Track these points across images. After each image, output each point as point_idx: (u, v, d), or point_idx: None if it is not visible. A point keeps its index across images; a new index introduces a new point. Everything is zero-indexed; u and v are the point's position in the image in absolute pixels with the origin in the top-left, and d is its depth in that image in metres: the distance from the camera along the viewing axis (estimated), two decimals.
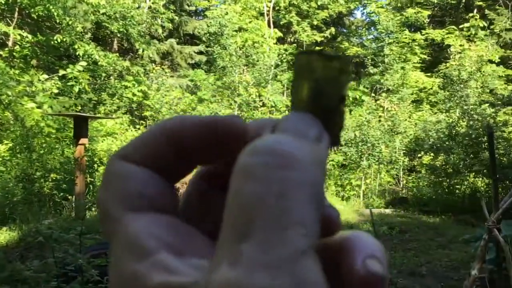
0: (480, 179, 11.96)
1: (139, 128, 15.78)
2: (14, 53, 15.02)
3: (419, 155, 14.90)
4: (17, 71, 13.29)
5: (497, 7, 20.71)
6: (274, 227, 0.18)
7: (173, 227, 0.23)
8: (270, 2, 21.08)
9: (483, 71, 16.68)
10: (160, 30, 19.40)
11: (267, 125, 0.24)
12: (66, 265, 3.21)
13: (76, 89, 14.33)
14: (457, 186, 12.13)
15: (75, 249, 3.13)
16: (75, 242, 3.13)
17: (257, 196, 0.18)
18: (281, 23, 22.15)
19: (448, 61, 18.15)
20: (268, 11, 21.32)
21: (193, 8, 22.58)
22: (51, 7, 14.09)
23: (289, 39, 22.89)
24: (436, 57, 21.71)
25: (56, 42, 15.21)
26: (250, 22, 19.55)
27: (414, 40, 20.63)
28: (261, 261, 0.17)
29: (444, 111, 15.59)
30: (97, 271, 3.09)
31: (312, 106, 0.22)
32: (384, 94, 17.84)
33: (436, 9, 23.16)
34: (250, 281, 0.17)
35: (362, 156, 14.17)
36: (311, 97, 0.22)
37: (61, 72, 13.74)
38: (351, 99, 18.60)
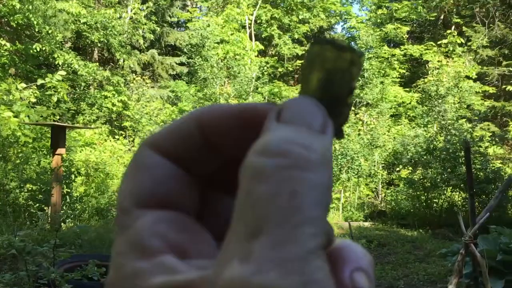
0: (457, 193, 12.10)
1: (118, 139, 15.63)
2: None
3: (398, 168, 15.03)
4: None
5: (474, 24, 21.15)
6: (285, 226, 0.18)
7: (179, 225, 0.23)
8: (252, 15, 21.19)
9: (461, 87, 16.97)
10: (141, 41, 19.34)
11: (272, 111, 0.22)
12: (39, 278, 3.13)
13: (55, 98, 14.15)
14: (434, 200, 12.24)
15: (49, 262, 3.06)
16: (49, 255, 3.05)
17: (269, 195, 0.18)
18: (263, 36, 22.27)
19: (426, 76, 18.43)
20: (250, 24, 21.42)
21: (175, 19, 22.59)
22: (30, 15, 13.95)
23: (270, 52, 23.01)
24: (414, 73, 22.03)
25: (35, 50, 15.04)
26: (231, 34, 19.60)
27: (393, 55, 20.93)
28: (272, 258, 0.17)
29: (422, 125, 15.80)
30: (71, 285, 3.03)
31: (321, 95, 0.22)
32: (363, 108, 18.00)
33: (415, 25, 23.55)
34: (260, 278, 0.17)
35: (342, 169, 14.23)
36: (320, 86, 0.22)
37: (40, 81, 13.57)
38: None
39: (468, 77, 18.61)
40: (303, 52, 22.68)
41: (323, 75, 0.22)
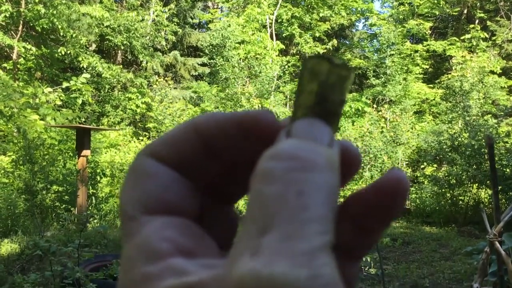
0: (484, 190, 11.92)
1: (142, 140, 15.81)
2: (18, 66, 15.13)
3: (422, 166, 14.86)
4: (21, 84, 13.39)
5: (499, 18, 20.76)
6: (293, 222, 0.18)
7: (186, 230, 0.23)
8: (273, 14, 21.19)
9: (485, 82, 16.68)
10: (163, 42, 19.51)
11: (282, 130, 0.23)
12: (64, 278, 3.20)
13: (80, 101, 14.40)
14: (460, 198, 12.07)
15: (74, 262, 3.13)
16: (74, 255, 3.12)
17: (278, 194, 0.19)
18: (284, 35, 22.24)
19: (450, 72, 18.16)
20: (271, 23, 21.42)
21: (196, 20, 22.73)
22: (55, 20, 14.20)
23: (291, 51, 22.97)
24: (438, 68, 21.74)
25: (60, 54, 15.32)
26: (252, 34, 19.64)
27: (416, 52, 20.68)
28: (281, 252, 0.18)
29: (446, 122, 15.58)
30: (95, 284, 3.09)
31: (317, 109, 0.23)
32: (386, 105, 17.85)
33: (438, 20, 23.23)
34: (270, 270, 0.17)
35: (365, 167, 14.15)
36: (316, 100, 0.23)
37: (65, 84, 13.82)
38: (353, 110, 18.61)
39: (492, 72, 18.27)
40: (324, 50, 22.59)
41: (318, 89, 0.23)
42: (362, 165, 14.21)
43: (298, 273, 0.17)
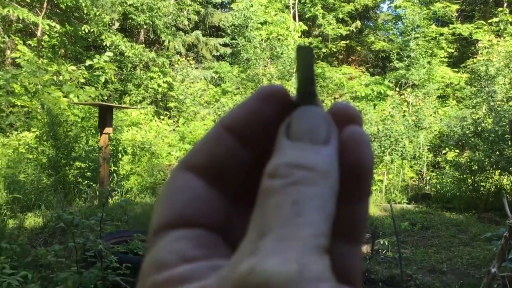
0: (506, 176, 11.77)
1: (163, 119, 15.93)
2: (43, 43, 15.30)
3: (444, 151, 14.71)
4: (45, 61, 13.55)
5: None
6: (288, 226, 0.20)
7: (199, 241, 0.24)
8: None
9: (511, 67, 16.35)
10: (186, 22, 19.51)
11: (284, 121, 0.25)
12: (86, 250, 3.29)
13: (102, 79, 14.53)
14: (481, 184, 11.93)
15: (96, 235, 3.20)
16: (96, 228, 3.20)
17: (275, 205, 0.21)
18: (306, 16, 22.03)
19: (475, 56, 17.83)
20: (294, 4, 21.22)
21: (219, 0, 22.62)
22: None
23: (314, 32, 22.75)
24: (463, 52, 21.36)
25: (83, 32, 15.43)
26: (275, 15, 19.50)
27: (441, 35, 20.31)
28: (275, 251, 0.20)
29: (470, 107, 15.35)
30: (116, 257, 3.16)
31: (303, 92, 0.25)
32: (409, 89, 17.64)
33: (464, 3, 22.74)
34: (263, 266, 0.19)
35: (385, 150, 14.06)
36: (300, 83, 0.25)
37: (88, 62, 13.94)
38: (375, 93, 18.43)
39: None
40: (348, 32, 22.33)
41: (298, 73, 0.26)
42: (383, 149, 14.13)
43: (288, 268, 0.19)
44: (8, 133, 11.83)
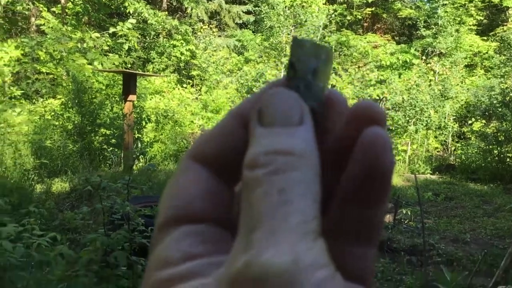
0: None
1: (185, 87, 15.95)
2: (67, 10, 15.34)
3: (470, 121, 14.47)
4: (69, 28, 13.60)
5: None
6: (277, 216, 0.20)
7: (204, 237, 0.24)
8: None
9: None
10: None
11: (254, 107, 0.25)
12: (113, 213, 3.35)
13: (126, 46, 14.56)
14: (508, 155, 11.75)
15: (123, 198, 3.25)
16: (123, 191, 3.25)
17: (261, 196, 0.21)
18: None
19: (505, 24, 17.32)
20: None
21: None
22: None
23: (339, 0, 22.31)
24: (493, 20, 20.72)
25: None
26: None
27: (470, 1, 19.69)
28: (268, 244, 0.20)
29: (498, 76, 14.98)
30: (143, 219, 3.22)
31: (292, 79, 0.25)
32: (436, 58, 17.27)
33: None
34: (258, 260, 0.20)
35: (410, 120, 13.89)
36: (289, 71, 0.26)
37: (111, 30, 13.96)
38: (400, 62, 18.09)
39: None
40: None
41: (290, 61, 0.26)
42: (407, 118, 13.94)
43: (283, 259, 0.19)
44: (34, 100, 12.01)
